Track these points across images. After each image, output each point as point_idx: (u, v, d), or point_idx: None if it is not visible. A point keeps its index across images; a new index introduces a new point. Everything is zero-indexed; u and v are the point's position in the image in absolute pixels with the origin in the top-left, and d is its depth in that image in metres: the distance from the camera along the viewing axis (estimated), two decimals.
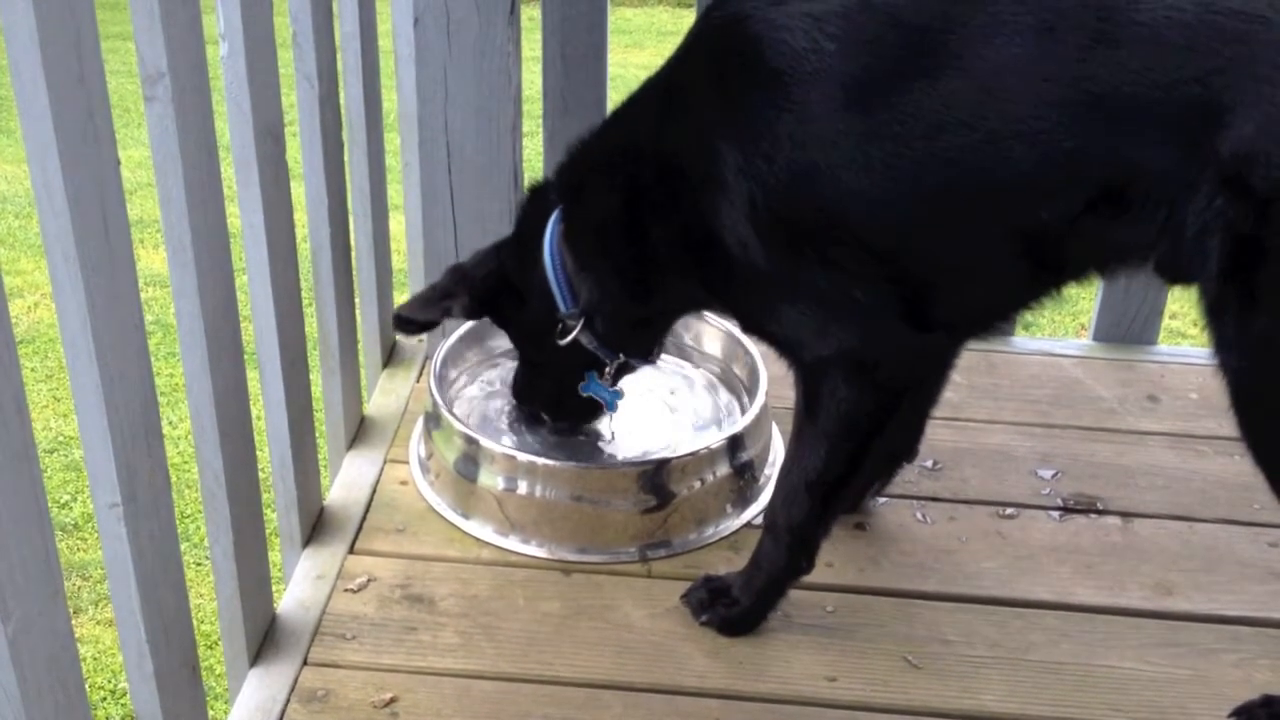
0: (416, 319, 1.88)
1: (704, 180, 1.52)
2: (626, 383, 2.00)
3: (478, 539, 1.90)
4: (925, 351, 1.60)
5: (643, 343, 1.88)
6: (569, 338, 1.80)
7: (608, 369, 1.88)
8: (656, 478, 1.88)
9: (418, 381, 2.33)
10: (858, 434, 1.59)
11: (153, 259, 4.35)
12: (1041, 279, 1.54)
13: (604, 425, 2.12)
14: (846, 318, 1.52)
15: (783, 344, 1.62)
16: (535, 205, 1.82)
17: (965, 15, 1.37)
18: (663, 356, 2.01)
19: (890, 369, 1.56)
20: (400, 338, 2.48)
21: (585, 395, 1.94)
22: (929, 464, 2.05)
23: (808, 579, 1.73)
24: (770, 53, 1.43)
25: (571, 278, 1.77)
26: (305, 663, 1.68)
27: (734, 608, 1.72)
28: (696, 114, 1.54)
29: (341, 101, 1.99)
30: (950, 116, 1.37)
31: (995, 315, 1.65)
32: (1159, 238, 1.40)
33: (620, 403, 1.98)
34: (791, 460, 1.66)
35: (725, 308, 1.75)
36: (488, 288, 1.86)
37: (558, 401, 2.01)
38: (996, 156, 1.37)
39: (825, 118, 1.42)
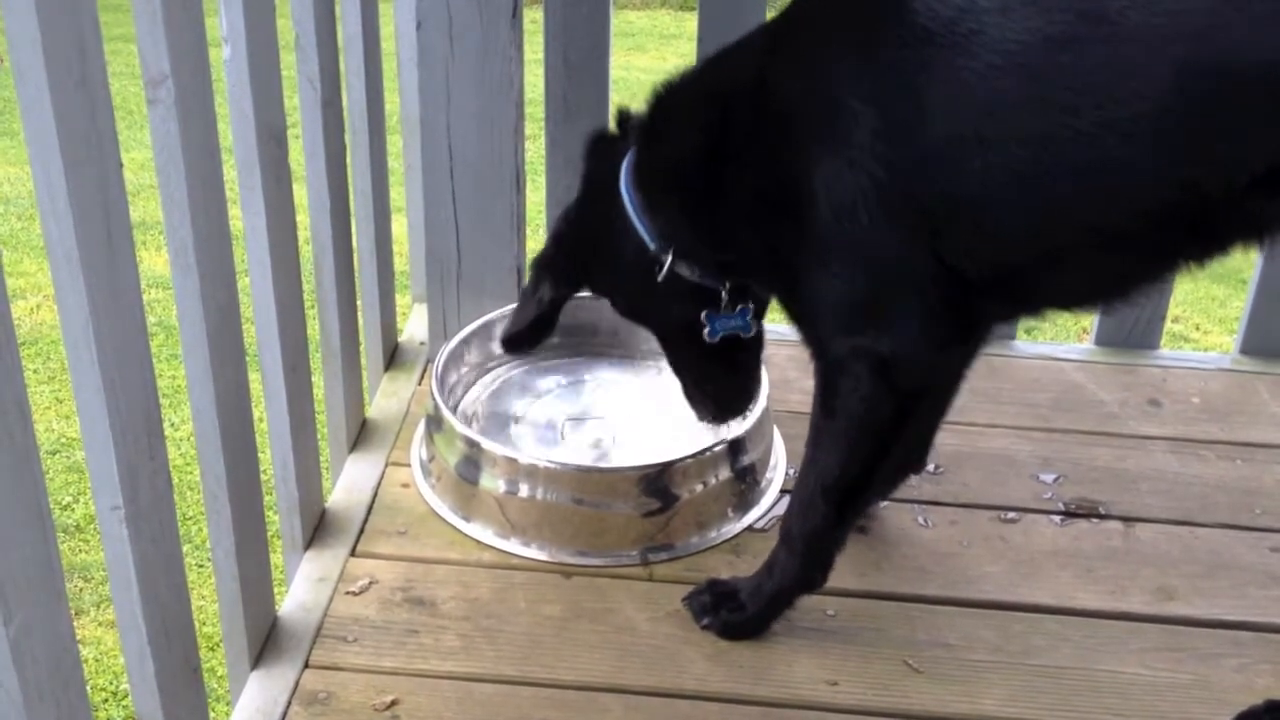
0: (521, 332, 1.81)
1: (822, 135, 1.44)
2: (628, 382, 2.00)
3: (479, 542, 1.90)
4: (947, 361, 1.59)
5: (738, 271, 1.72)
6: (665, 269, 1.67)
7: (723, 298, 1.72)
8: (658, 481, 1.88)
9: (419, 384, 2.33)
10: (874, 433, 1.57)
11: (155, 261, 4.35)
12: (1183, 253, 1.47)
13: (606, 429, 2.13)
14: (899, 310, 1.49)
15: (820, 323, 1.57)
16: (602, 154, 1.75)
17: None
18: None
19: (912, 373, 1.54)
20: (403, 339, 2.48)
21: (718, 338, 1.76)
22: (930, 468, 2.05)
23: None
24: (921, 10, 1.36)
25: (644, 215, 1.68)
26: (306, 665, 1.68)
27: (739, 613, 1.72)
28: (827, 69, 1.46)
29: (344, 104, 2.00)
30: (1124, 87, 1.30)
31: (1107, 294, 1.58)
32: None
33: (739, 327, 1.76)
34: (807, 465, 1.65)
35: (776, 272, 1.62)
36: (564, 254, 1.78)
37: (710, 374, 1.84)
38: (1169, 130, 1.30)
39: (981, 86, 1.34)
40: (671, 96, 1.67)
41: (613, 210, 1.71)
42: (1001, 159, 1.37)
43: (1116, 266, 1.50)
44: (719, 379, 1.85)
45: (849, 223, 1.44)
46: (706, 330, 1.74)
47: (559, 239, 1.81)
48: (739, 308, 1.74)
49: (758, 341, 1.83)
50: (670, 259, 1.68)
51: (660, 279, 1.69)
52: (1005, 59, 1.33)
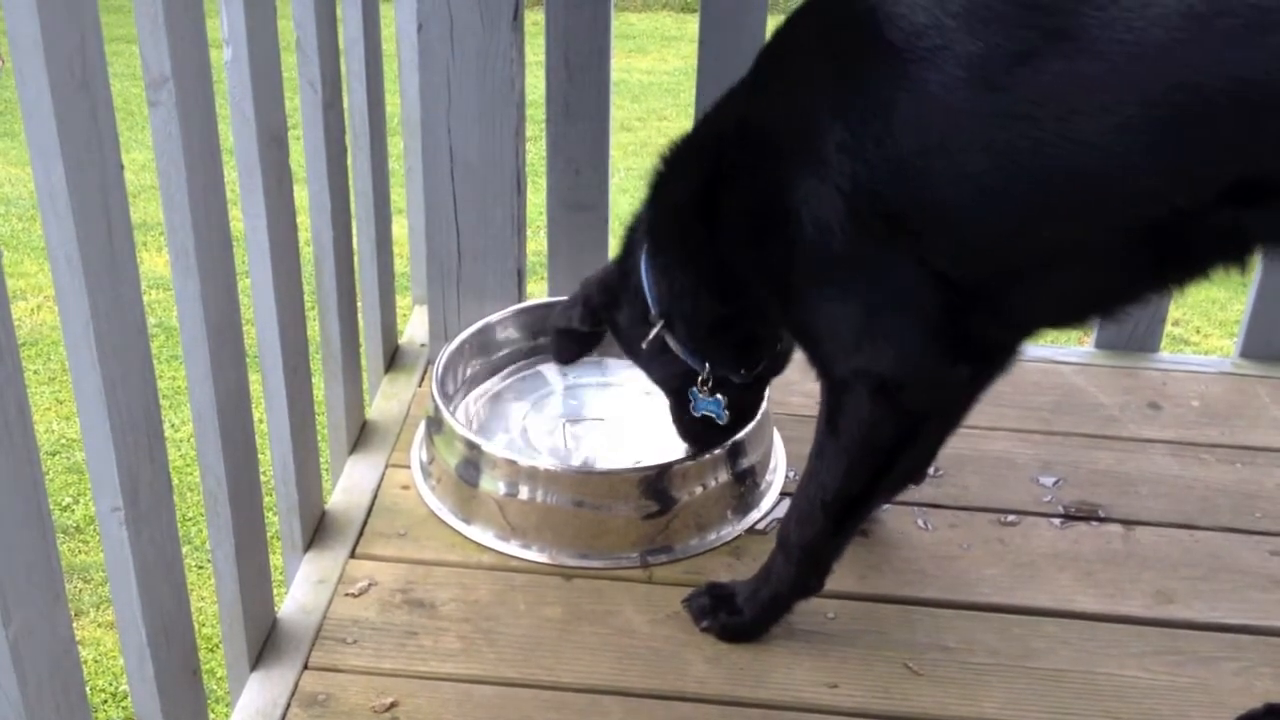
0: (558, 327, 1.96)
1: (797, 153, 1.47)
2: (628, 384, 1.99)
3: (479, 544, 1.90)
4: (952, 381, 1.57)
5: (726, 350, 1.83)
6: (650, 336, 1.81)
7: (700, 379, 1.85)
8: (658, 483, 1.88)
9: (419, 386, 2.33)
10: (877, 454, 1.58)
11: (155, 262, 4.35)
12: (1160, 272, 1.47)
13: (606, 431, 2.13)
14: (894, 327, 1.49)
15: (820, 346, 1.58)
16: (641, 215, 1.84)
17: None
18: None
19: (916, 393, 1.53)
20: (403, 341, 2.48)
21: (700, 414, 1.90)
22: (930, 471, 2.05)
23: None
24: (887, 27, 1.39)
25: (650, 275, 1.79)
26: (306, 667, 1.68)
27: (736, 617, 1.72)
28: (799, 86, 1.50)
29: (345, 106, 2.00)
30: (1087, 101, 1.31)
31: (1088, 311, 1.59)
32: None
33: (719, 411, 1.90)
34: (808, 477, 1.64)
35: (775, 297, 1.65)
36: (593, 295, 1.91)
37: (679, 420, 1.97)
38: (1132, 143, 1.31)
39: (946, 98, 1.36)
40: (673, 155, 1.73)
41: (630, 270, 1.82)
42: (967, 169, 1.38)
43: (1092, 282, 1.50)
44: (708, 424, 1.92)
45: (832, 239, 1.45)
46: (692, 405, 1.89)
47: (596, 283, 1.93)
48: (715, 395, 1.87)
49: (755, 399, 1.96)
50: (660, 326, 1.79)
51: (645, 344, 1.82)
52: (969, 72, 1.35)
